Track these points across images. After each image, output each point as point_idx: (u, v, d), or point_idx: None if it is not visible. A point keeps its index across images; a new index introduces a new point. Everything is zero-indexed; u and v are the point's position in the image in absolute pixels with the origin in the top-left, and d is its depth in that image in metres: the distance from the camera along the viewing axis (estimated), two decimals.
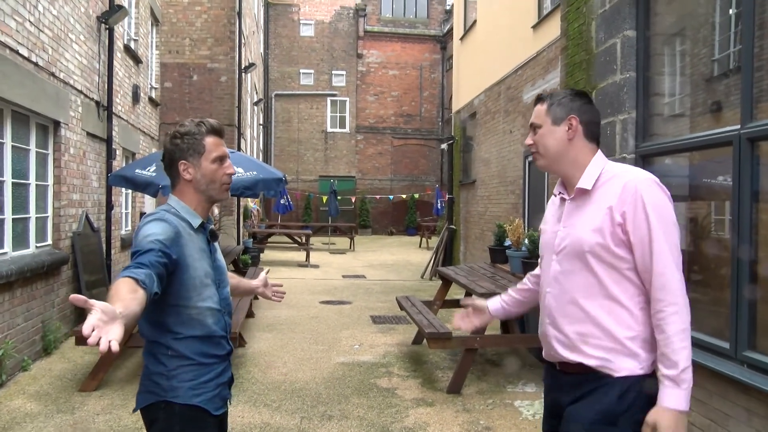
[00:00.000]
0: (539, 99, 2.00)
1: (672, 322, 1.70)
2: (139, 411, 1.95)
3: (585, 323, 1.85)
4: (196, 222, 1.96)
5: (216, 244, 2.09)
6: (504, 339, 5.76)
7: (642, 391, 1.74)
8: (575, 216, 1.89)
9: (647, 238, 1.74)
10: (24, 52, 5.21)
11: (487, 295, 5.19)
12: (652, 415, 1.70)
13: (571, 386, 1.89)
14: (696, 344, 2.98)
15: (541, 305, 2.01)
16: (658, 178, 1.82)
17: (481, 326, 2.42)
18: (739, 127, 2.71)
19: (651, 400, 1.71)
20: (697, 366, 2.87)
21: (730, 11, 3.16)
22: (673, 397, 1.67)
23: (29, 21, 5.30)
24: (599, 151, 1.94)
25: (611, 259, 1.80)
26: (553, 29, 7.76)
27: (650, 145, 3.56)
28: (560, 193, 1.98)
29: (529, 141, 2.00)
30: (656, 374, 1.73)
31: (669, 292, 1.71)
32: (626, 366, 1.79)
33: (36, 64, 5.50)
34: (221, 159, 1.97)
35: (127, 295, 1.51)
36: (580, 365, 1.85)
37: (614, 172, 1.86)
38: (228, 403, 2.07)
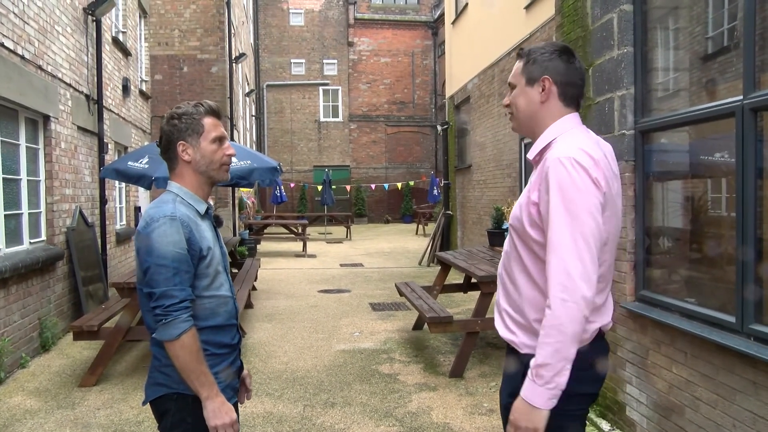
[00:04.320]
0: (518, 55, 1.86)
1: (546, 315, 1.60)
2: (148, 404, 1.91)
3: (508, 297, 1.83)
4: (202, 208, 1.92)
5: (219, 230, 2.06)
6: None
7: None
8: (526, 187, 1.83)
9: (547, 222, 1.63)
10: (9, 44, 5.11)
11: (487, 278, 5.17)
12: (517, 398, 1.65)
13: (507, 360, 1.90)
14: (702, 319, 2.97)
15: None
16: (587, 156, 1.62)
17: None
18: (741, 97, 2.66)
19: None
20: (703, 341, 2.88)
21: None
22: (527, 388, 1.60)
23: (13, 13, 5.19)
24: (569, 115, 1.79)
25: (525, 238, 1.74)
26: (546, 9, 7.69)
27: (650, 121, 3.51)
28: None
29: (505, 101, 1.89)
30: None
31: (551, 283, 1.59)
32: (529, 344, 1.72)
33: (22, 57, 5.40)
34: (220, 140, 1.92)
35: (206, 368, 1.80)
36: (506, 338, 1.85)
37: (556, 145, 1.71)
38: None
